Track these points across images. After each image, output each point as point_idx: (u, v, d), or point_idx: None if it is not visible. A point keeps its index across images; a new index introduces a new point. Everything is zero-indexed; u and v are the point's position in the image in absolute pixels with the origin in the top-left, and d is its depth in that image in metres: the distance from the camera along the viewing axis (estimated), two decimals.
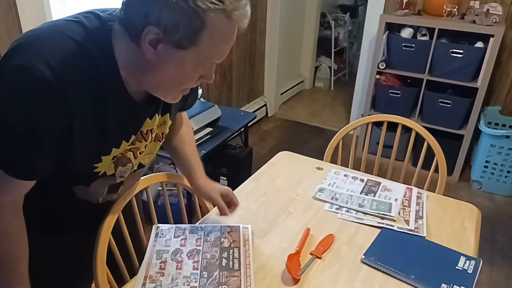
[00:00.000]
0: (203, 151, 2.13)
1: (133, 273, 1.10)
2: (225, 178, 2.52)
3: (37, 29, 0.79)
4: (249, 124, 2.57)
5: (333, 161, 1.68)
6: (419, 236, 1.20)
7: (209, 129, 2.28)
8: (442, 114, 2.86)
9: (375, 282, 1.04)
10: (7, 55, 0.74)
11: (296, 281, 1.03)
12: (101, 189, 0.97)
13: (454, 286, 1.01)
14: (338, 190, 1.41)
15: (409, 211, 1.31)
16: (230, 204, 1.22)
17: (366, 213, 1.29)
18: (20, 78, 0.71)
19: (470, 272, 1.06)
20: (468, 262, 1.10)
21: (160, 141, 1.04)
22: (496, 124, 3.06)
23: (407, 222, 1.26)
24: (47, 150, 0.79)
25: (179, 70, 0.78)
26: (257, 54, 3.62)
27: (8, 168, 0.77)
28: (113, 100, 0.82)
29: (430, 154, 1.64)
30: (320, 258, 1.11)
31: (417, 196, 1.40)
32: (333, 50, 4.71)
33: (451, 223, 1.27)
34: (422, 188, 1.49)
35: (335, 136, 1.75)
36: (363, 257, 1.11)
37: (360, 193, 1.40)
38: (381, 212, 1.29)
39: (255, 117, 2.67)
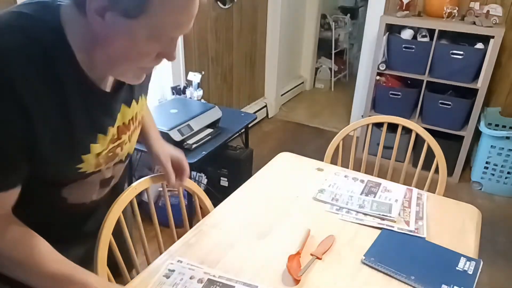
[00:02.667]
0: (203, 152, 2.13)
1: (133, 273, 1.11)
2: (226, 179, 2.52)
3: None
4: (249, 125, 2.58)
5: (334, 162, 1.68)
6: (419, 237, 1.20)
7: (209, 130, 2.29)
8: (442, 115, 2.86)
9: (375, 283, 1.04)
10: None
11: (296, 282, 1.03)
12: (93, 187, 0.92)
13: (455, 287, 1.01)
14: (338, 191, 1.41)
15: (409, 212, 1.31)
16: (179, 172, 1.15)
17: (366, 214, 1.29)
18: None
19: (471, 273, 1.06)
20: (468, 263, 1.10)
21: (140, 126, 0.98)
22: (496, 125, 3.06)
23: (407, 223, 1.26)
24: (15, 160, 0.72)
25: (131, 43, 0.70)
26: (257, 55, 3.63)
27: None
28: (75, 91, 0.74)
29: (430, 155, 1.64)
30: (320, 259, 1.11)
31: (417, 197, 1.40)
32: (333, 52, 4.71)
33: (452, 224, 1.27)
34: (422, 189, 1.49)
35: (336, 137, 1.76)
36: (364, 258, 1.11)
37: (360, 194, 1.40)
38: (381, 213, 1.29)
39: (255, 118, 2.67)
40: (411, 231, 1.22)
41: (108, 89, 0.82)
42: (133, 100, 0.89)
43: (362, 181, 1.48)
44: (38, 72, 0.68)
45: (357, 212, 1.30)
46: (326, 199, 1.36)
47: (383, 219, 1.27)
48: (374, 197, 1.38)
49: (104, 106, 0.83)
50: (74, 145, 0.79)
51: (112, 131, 0.85)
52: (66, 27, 0.70)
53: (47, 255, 0.80)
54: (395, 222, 1.26)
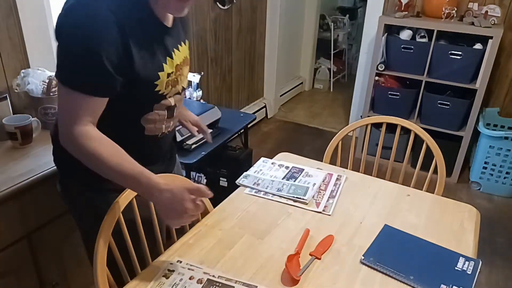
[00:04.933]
0: (203, 152, 2.13)
1: (133, 273, 1.11)
2: (225, 179, 2.53)
3: None
4: (249, 126, 2.58)
5: (333, 162, 1.68)
6: (418, 237, 1.20)
7: (209, 130, 2.28)
8: (441, 116, 2.87)
9: (374, 283, 1.04)
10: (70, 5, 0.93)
11: (295, 281, 1.03)
12: (162, 112, 1.13)
13: (453, 287, 1.01)
14: (262, 176, 1.48)
15: (323, 195, 1.39)
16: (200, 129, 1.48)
17: (282, 197, 1.36)
18: (90, 14, 0.91)
19: (469, 273, 1.07)
20: (467, 263, 1.10)
21: (188, 64, 1.23)
22: (495, 125, 3.07)
23: (318, 204, 1.34)
24: (115, 67, 0.95)
25: None
26: (256, 56, 3.63)
27: (86, 87, 0.94)
28: (151, 25, 1.03)
29: (429, 155, 1.64)
30: (319, 259, 1.11)
31: (336, 178, 1.48)
32: (332, 52, 4.72)
33: (450, 224, 1.28)
34: (421, 189, 1.49)
35: (335, 137, 1.76)
36: (363, 257, 1.11)
37: (282, 179, 1.46)
38: (295, 196, 1.36)
39: (255, 119, 2.67)
40: (318, 212, 1.30)
41: (169, 25, 1.10)
42: (182, 42, 1.16)
43: (287, 167, 1.54)
44: (128, 13, 0.96)
45: (274, 194, 1.37)
46: (249, 184, 1.43)
47: (295, 201, 1.35)
48: (295, 181, 1.44)
49: (170, 36, 1.10)
50: (154, 63, 1.04)
51: (174, 56, 1.10)
52: None
53: (125, 157, 0.99)
54: (306, 204, 1.34)
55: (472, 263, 1.10)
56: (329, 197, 1.38)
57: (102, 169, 0.98)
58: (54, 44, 1.77)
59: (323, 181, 1.46)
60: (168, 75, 1.09)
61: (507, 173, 2.80)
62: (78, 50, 0.92)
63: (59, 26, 0.95)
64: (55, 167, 1.24)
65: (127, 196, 1.15)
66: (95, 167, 0.99)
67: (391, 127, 1.79)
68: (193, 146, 2.16)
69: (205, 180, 2.50)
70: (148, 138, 1.16)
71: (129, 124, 1.11)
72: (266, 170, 1.51)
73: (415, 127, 1.70)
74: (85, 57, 0.92)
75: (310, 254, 1.12)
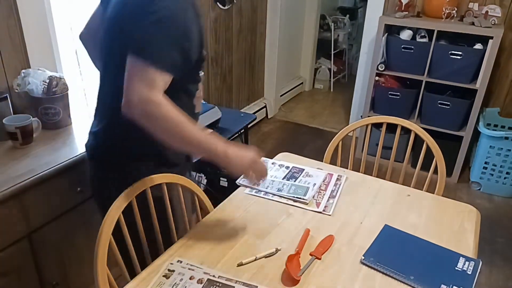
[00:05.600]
0: None
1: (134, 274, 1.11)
2: (225, 179, 2.53)
3: None
4: (249, 126, 2.58)
5: (333, 162, 1.68)
6: (417, 237, 1.20)
7: (209, 131, 2.28)
8: (441, 116, 2.87)
9: (374, 283, 1.04)
10: None
11: (296, 282, 1.03)
12: (199, 99, 1.26)
13: (454, 287, 1.01)
14: None
15: (324, 194, 1.39)
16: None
17: (282, 197, 1.36)
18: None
19: (470, 273, 1.07)
20: (467, 263, 1.10)
21: None
22: (495, 125, 3.07)
23: (318, 204, 1.34)
24: (193, 49, 1.07)
25: None
26: (257, 56, 3.63)
27: (168, 66, 1.00)
28: (201, 15, 1.12)
29: (430, 155, 1.64)
30: (319, 259, 1.11)
31: (337, 178, 1.48)
32: (332, 52, 4.72)
33: (451, 224, 1.28)
34: (421, 189, 1.49)
35: (335, 137, 1.76)
36: (363, 258, 1.11)
37: (282, 179, 1.45)
38: (296, 196, 1.35)
39: (255, 119, 2.68)
40: (318, 211, 1.30)
41: None
42: None
43: (287, 167, 1.54)
44: (191, 6, 1.07)
45: (274, 194, 1.37)
46: (248, 184, 1.41)
47: (295, 201, 1.35)
48: (295, 181, 1.44)
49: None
50: (202, 45, 1.14)
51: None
52: None
53: (196, 127, 1.06)
54: (307, 204, 1.33)
55: (472, 263, 1.10)
56: (329, 197, 1.38)
57: (179, 133, 1.02)
58: (54, 44, 1.75)
59: (323, 181, 1.46)
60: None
61: (507, 173, 2.80)
62: (169, 32, 1.01)
63: (149, 4, 0.99)
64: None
65: (127, 196, 1.15)
66: (171, 131, 1.01)
67: (391, 127, 1.79)
68: None
69: (205, 180, 2.50)
70: (195, 117, 1.26)
71: (186, 103, 1.19)
72: None
73: (415, 127, 1.70)
74: (173, 40, 1.02)
75: (310, 254, 1.12)
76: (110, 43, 1.14)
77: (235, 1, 3.08)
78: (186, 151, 1.23)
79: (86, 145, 1.31)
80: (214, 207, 1.34)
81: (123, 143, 1.20)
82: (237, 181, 1.44)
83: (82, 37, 1.36)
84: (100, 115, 1.25)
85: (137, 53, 0.99)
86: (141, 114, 0.99)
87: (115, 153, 1.23)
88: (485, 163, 2.83)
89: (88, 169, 1.33)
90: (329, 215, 1.29)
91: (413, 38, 2.90)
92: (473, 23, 2.66)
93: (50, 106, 1.63)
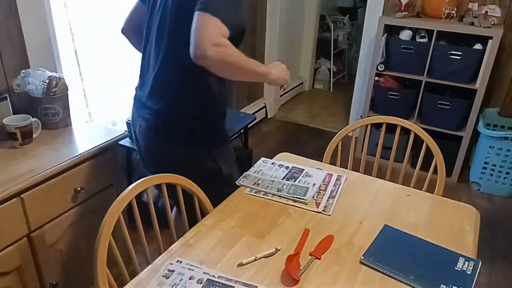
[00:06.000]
0: None
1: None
2: None
3: None
4: (249, 126, 2.58)
5: (333, 162, 1.68)
6: (417, 237, 1.20)
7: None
8: (441, 116, 2.87)
9: (374, 283, 1.04)
10: None
11: (295, 282, 1.03)
12: None
13: (453, 287, 1.02)
14: (262, 176, 1.48)
15: (323, 195, 1.39)
16: None
17: (282, 197, 1.36)
18: None
19: (469, 273, 1.07)
20: (467, 263, 1.10)
21: None
22: (495, 125, 3.07)
23: (318, 204, 1.34)
24: (244, 14, 1.36)
25: None
26: (256, 56, 3.63)
27: (229, 21, 1.19)
28: None
29: (429, 155, 1.64)
30: (319, 259, 1.11)
31: (336, 178, 1.48)
32: (332, 52, 4.72)
33: (450, 224, 1.28)
34: (421, 190, 1.49)
35: (335, 137, 1.76)
36: (362, 257, 1.11)
37: (282, 179, 1.46)
38: (295, 196, 1.36)
39: (255, 119, 2.68)
40: (318, 212, 1.31)
41: None
42: None
43: (287, 167, 1.54)
44: None
45: (274, 195, 1.37)
46: (248, 184, 1.42)
47: (295, 201, 1.35)
48: (295, 181, 1.44)
49: None
50: (246, 20, 1.33)
51: None
52: None
53: (249, 58, 1.29)
54: (306, 204, 1.34)
55: (472, 263, 1.10)
56: (329, 197, 1.38)
57: (243, 66, 1.26)
58: (54, 44, 1.76)
59: (323, 181, 1.46)
60: None
61: (507, 173, 2.80)
62: None
63: None
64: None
65: (127, 196, 1.15)
66: (237, 66, 1.24)
67: (391, 127, 1.79)
68: None
69: None
70: (229, 86, 1.54)
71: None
72: (266, 170, 1.51)
73: (415, 127, 1.70)
74: (233, 2, 1.25)
75: (310, 254, 1.12)
76: (176, 23, 1.32)
77: None
78: (244, 80, 1.46)
79: (146, 117, 1.44)
80: (214, 207, 1.34)
81: (186, 118, 1.41)
82: (237, 181, 1.44)
83: (125, 32, 1.59)
84: (161, 94, 1.41)
85: (205, 9, 1.17)
86: (214, 55, 1.16)
87: (178, 127, 1.43)
88: (485, 163, 2.83)
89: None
90: (329, 215, 1.30)
91: (413, 38, 2.90)
92: (472, 23, 2.66)
93: (49, 106, 1.63)
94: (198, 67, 1.19)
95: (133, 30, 1.56)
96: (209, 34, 1.16)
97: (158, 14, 1.37)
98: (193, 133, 1.44)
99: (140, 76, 1.51)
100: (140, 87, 1.51)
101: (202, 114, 1.43)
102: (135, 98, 1.54)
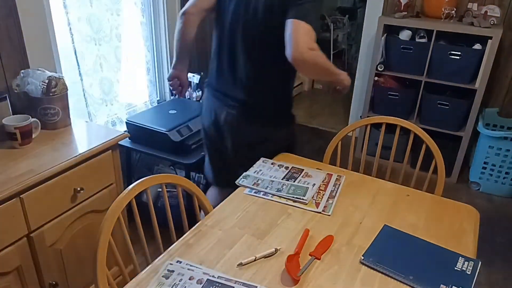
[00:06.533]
0: (202, 153, 2.13)
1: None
2: None
3: None
4: None
5: (332, 162, 1.68)
6: (417, 237, 1.20)
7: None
8: (440, 116, 2.87)
9: (374, 283, 1.04)
10: None
11: (295, 282, 1.03)
12: None
13: (453, 287, 1.02)
14: (262, 176, 1.48)
15: (323, 195, 1.39)
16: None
17: (281, 197, 1.36)
18: None
19: (469, 273, 1.07)
20: (466, 263, 1.10)
21: None
22: (494, 125, 3.07)
23: (317, 204, 1.34)
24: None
25: None
26: None
27: (317, 29, 1.43)
28: None
29: (429, 155, 1.64)
30: (319, 259, 1.11)
31: (336, 178, 1.49)
32: (332, 52, 4.72)
33: (450, 224, 1.28)
34: (421, 189, 1.50)
35: (334, 137, 1.76)
36: (362, 258, 1.11)
37: (282, 179, 1.46)
38: (295, 196, 1.36)
39: None
40: (318, 212, 1.31)
41: None
42: None
43: (286, 167, 1.54)
44: None
45: (273, 195, 1.37)
46: (248, 184, 1.43)
47: (295, 201, 1.35)
48: (294, 181, 1.44)
49: None
50: None
51: None
52: None
53: (330, 62, 1.51)
54: (306, 204, 1.34)
55: (471, 263, 1.10)
56: (328, 197, 1.38)
57: (327, 69, 1.50)
58: (54, 44, 1.76)
59: (322, 182, 1.46)
60: None
61: (506, 173, 2.80)
62: (317, 8, 1.47)
63: None
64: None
65: (127, 196, 1.15)
66: (323, 68, 1.47)
67: (391, 127, 1.79)
68: (193, 146, 2.17)
69: (205, 180, 2.50)
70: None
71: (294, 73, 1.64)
72: (266, 171, 1.51)
73: (415, 128, 1.70)
74: (318, 14, 1.52)
75: (310, 254, 1.12)
76: (266, 29, 1.50)
77: None
78: (322, 79, 1.71)
79: (236, 107, 1.63)
80: (214, 207, 1.34)
81: (272, 107, 1.67)
82: (236, 181, 1.44)
83: (188, 15, 1.63)
84: (253, 89, 1.61)
85: (300, 18, 1.37)
86: (310, 58, 1.39)
87: (266, 114, 1.66)
88: (484, 163, 2.84)
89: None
90: (329, 215, 1.30)
91: (412, 38, 2.90)
92: (472, 23, 2.67)
93: (49, 106, 1.63)
94: (286, 67, 1.43)
95: (196, 16, 1.64)
96: (306, 40, 1.37)
97: (242, 16, 1.53)
98: (276, 118, 1.70)
99: (218, 71, 1.67)
100: (219, 81, 1.68)
101: (282, 104, 1.72)
102: (215, 90, 1.70)
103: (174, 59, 1.72)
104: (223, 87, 1.66)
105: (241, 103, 1.63)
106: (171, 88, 1.80)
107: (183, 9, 1.62)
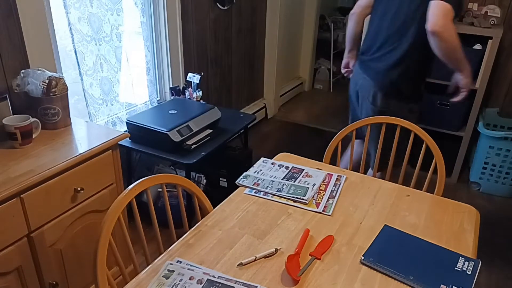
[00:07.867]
0: (202, 153, 2.13)
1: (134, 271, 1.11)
2: (225, 179, 2.53)
3: None
4: (248, 126, 2.58)
5: (333, 162, 1.68)
6: (417, 237, 1.20)
7: (209, 131, 2.29)
8: (440, 116, 2.87)
9: (374, 283, 1.04)
10: None
11: (295, 282, 1.03)
12: None
13: (453, 287, 1.02)
14: (262, 176, 1.48)
15: (323, 195, 1.39)
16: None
17: (282, 197, 1.36)
18: None
19: (469, 273, 1.07)
20: (467, 263, 1.10)
21: None
22: (495, 125, 3.07)
23: (318, 204, 1.34)
24: None
25: None
26: (256, 56, 3.63)
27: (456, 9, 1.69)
28: None
29: (429, 155, 1.64)
30: (319, 259, 1.11)
31: (336, 178, 1.49)
32: (332, 52, 4.72)
33: (450, 224, 1.28)
34: (421, 190, 1.50)
35: (334, 137, 1.76)
36: (362, 258, 1.11)
37: (282, 179, 1.46)
38: (295, 196, 1.36)
39: (254, 119, 2.68)
40: (318, 212, 1.31)
41: None
42: None
43: (286, 167, 1.54)
44: None
45: (273, 195, 1.37)
46: (249, 184, 1.43)
47: (295, 201, 1.35)
48: (294, 181, 1.44)
49: None
50: None
51: None
52: None
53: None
54: (306, 204, 1.34)
55: (472, 263, 1.10)
56: (329, 197, 1.38)
57: (458, 49, 1.76)
58: (54, 44, 1.76)
59: (323, 182, 1.46)
60: None
61: (506, 173, 2.80)
62: None
63: None
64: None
65: (127, 196, 1.15)
66: (454, 47, 1.74)
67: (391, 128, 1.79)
68: (193, 146, 2.17)
69: (205, 180, 2.50)
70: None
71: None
72: (266, 170, 1.51)
73: (415, 127, 1.70)
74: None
75: (310, 254, 1.12)
76: (415, 12, 1.79)
77: (234, 2, 3.08)
78: (449, 61, 1.85)
79: (377, 79, 1.98)
80: (214, 207, 1.34)
81: (409, 80, 1.99)
82: (237, 181, 1.44)
83: (355, 15, 2.12)
84: (398, 62, 1.91)
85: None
86: (448, 32, 1.66)
87: (403, 87, 1.99)
88: (485, 163, 2.83)
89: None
90: (329, 215, 1.30)
91: None
92: (472, 23, 2.66)
93: (49, 106, 1.63)
94: (427, 44, 1.73)
95: (361, 14, 2.10)
96: (445, 20, 1.64)
97: (394, 5, 1.87)
98: (411, 92, 2.04)
99: (370, 45, 2.00)
100: (369, 53, 2.01)
101: (418, 78, 2.03)
102: (363, 61, 2.06)
103: (346, 49, 2.28)
104: (369, 58, 2.02)
105: (384, 75, 1.98)
106: (343, 71, 2.33)
107: (351, 11, 2.11)
